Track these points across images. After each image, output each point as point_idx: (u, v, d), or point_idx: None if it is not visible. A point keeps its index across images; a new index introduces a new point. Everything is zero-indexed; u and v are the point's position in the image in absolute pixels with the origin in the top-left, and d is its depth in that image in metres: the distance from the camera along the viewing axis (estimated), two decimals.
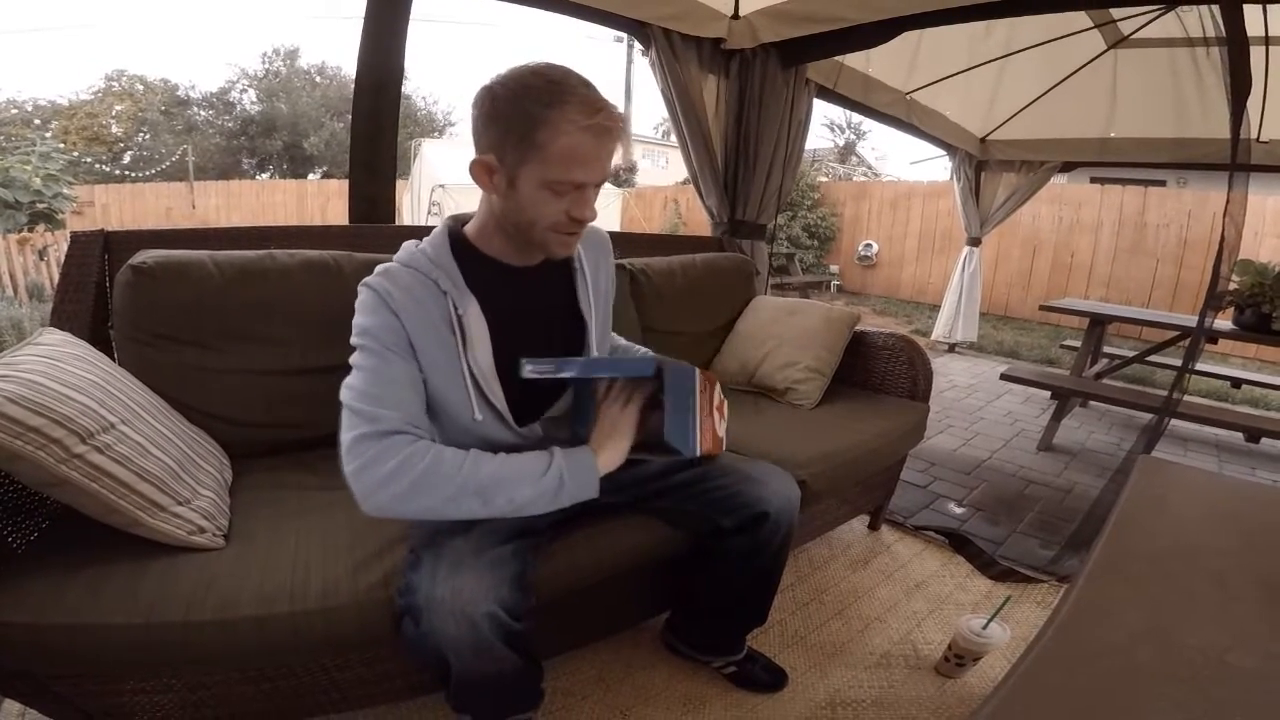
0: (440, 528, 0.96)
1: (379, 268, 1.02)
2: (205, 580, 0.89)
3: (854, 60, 3.03)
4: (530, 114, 0.89)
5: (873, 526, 2.16)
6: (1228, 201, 1.84)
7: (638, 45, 2.59)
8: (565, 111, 0.89)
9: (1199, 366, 3.62)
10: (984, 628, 1.46)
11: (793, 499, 1.24)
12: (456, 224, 1.10)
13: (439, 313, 1.00)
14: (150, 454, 0.93)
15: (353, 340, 0.97)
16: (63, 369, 0.89)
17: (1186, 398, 2.02)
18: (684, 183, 10.59)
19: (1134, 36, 3.11)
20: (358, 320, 0.98)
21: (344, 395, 0.93)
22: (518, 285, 1.08)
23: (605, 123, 0.91)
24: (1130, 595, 0.81)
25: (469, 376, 1.00)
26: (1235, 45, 1.80)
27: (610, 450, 1.01)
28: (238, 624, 0.87)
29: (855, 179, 12.79)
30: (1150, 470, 1.17)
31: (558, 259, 1.06)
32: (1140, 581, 0.84)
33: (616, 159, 0.99)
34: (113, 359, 1.21)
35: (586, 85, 0.92)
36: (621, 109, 0.96)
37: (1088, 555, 0.89)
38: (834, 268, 9.30)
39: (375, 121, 1.76)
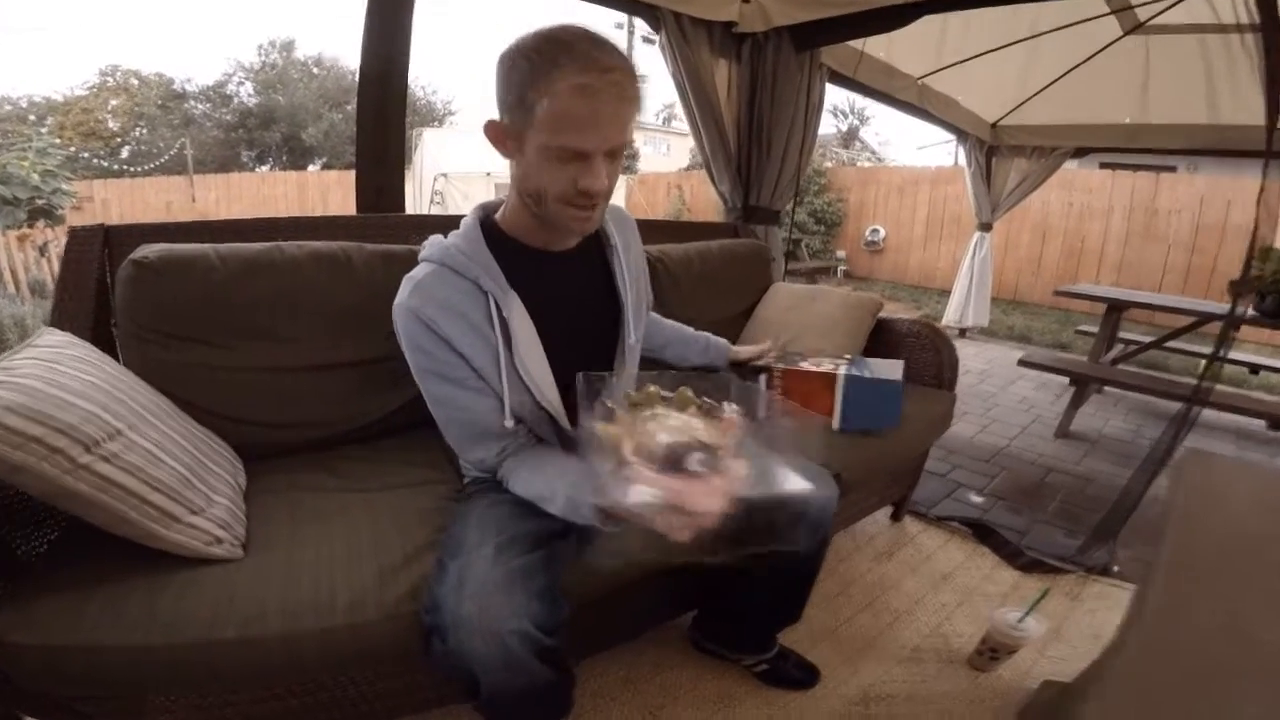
0: (467, 537, 0.91)
1: (407, 281, 0.97)
2: (226, 595, 0.85)
3: (873, 45, 2.96)
4: (524, 75, 0.85)
5: (895, 518, 2.12)
6: (1261, 189, 1.77)
7: (638, 31, 2.54)
8: (555, 72, 0.83)
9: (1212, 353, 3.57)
10: (1020, 621, 1.43)
11: (832, 498, 1.19)
12: (486, 212, 1.05)
13: (479, 313, 0.96)
14: (160, 461, 0.88)
15: (412, 368, 0.98)
16: (63, 373, 0.84)
17: (1202, 382, 1.96)
18: (688, 169, 10.51)
19: (1151, 22, 3.04)
20: (407, 351, 0.97)
21: (435, 417, 1.01)
22: (555, 272, 1.04)
23: (596, 83, 0.83)
24: (1202, 592, 0.79)
25: (506, 380, 0.97)
26: (1271, 32, 1.73)
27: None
28: (264, 642, 0.83)
29: (859, 164, 12.68)
30: (1199, 464, 1.14)
31: (575, 234, 1.01)
32: (1210, 578, 0.82)
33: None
34: (117, 358, 1.17)
35: (592, 43, 0.85)
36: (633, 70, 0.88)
37: (1156, 555, 0.86)
38: (841, 253, 9.24)
39: (381, 111, 1.72)
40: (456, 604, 0.81)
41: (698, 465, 0.72)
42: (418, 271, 0.98)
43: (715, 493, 0.72)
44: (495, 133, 0.93)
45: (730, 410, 0.82)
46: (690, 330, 1.57)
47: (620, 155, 0.92)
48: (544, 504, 0.94)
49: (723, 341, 1.59)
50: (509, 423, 0.97)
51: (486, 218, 1.04)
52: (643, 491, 0.71)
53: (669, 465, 0.72)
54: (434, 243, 1.01)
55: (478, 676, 0.84)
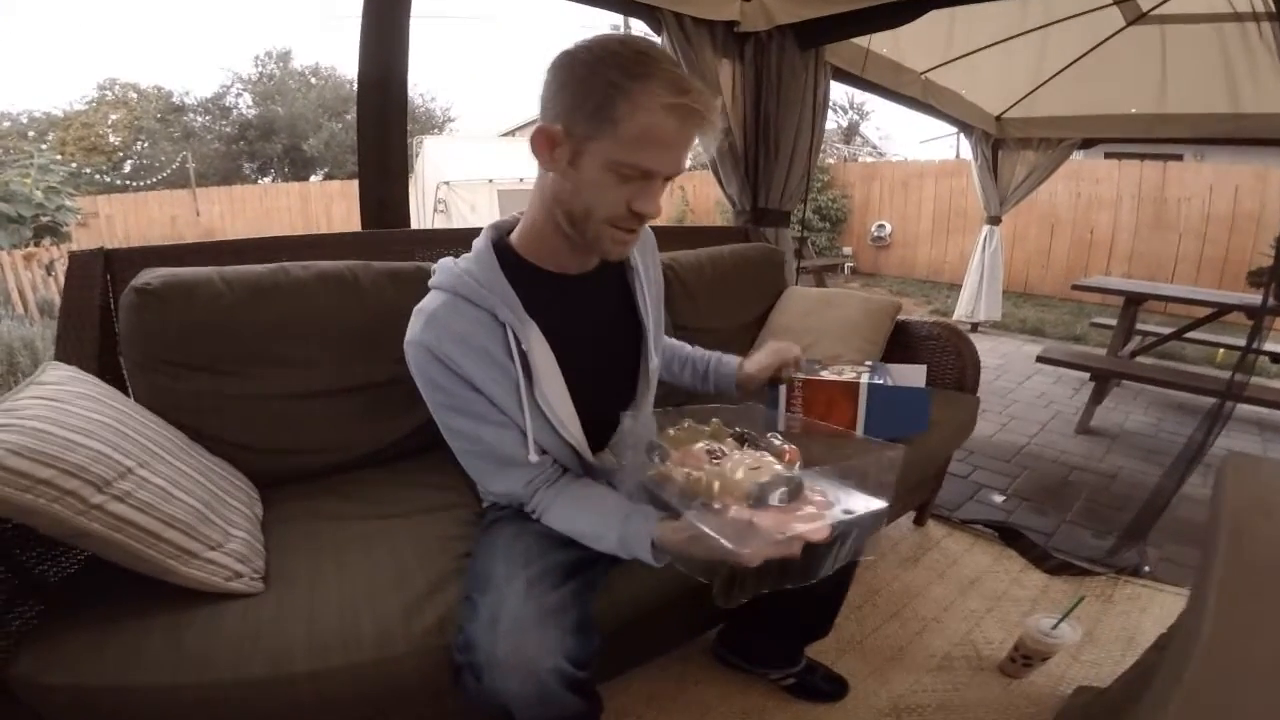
0: (495, 570, 0.88)
1: (418, 314, 0.91)
2: (250, 631, 0.83)
3: (878, 41, 2.92)
4: (610, 83, 0.79)
5: (918, 522, 2.08)
6: None
7: (636, 34, 2.51)
8: (649, 86, 0.79)
9: (1233, 342, 3.51)
10: (1054, 628, 1.40)
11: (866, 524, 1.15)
12: (500, 233, 0.99)
13: (497, 345, 0.91)
14: (174, 497, 0.86)
15: (428, 403, 0.94)
16: (70, 411, 0.82)
17: (1235, 376, 1.91)
18: (689, 169, 10.44)
19: (1155, 12, 3.00)
20: (422, 387, 0.93)
21: (453, 449, 0.97)
22: (574, 298, 0.99)
23: (693, 104, 0.80)
24: (1269, 612, 0.74)
25: (529, 414, 0.92)
26: None
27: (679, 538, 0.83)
28: (292, 680, 0.81)
29: (861, 160, 12.62)
30: (1245, 470, 1.08)
31: (609, 257, 0.96)
32: (1275, 596, 0.76)
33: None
34: (124, 387, 1.15)
35: (675, 63, 0.82)
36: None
37: (1208, 569, 0.82)
38: (847, 249, 9.19)
39: (381, 119, 1.68)
40: (491, 644, 0.78)
41: (778, 500, 0.75)
42: (429, 302, 0.92)
43: (818, 521, 0.74)
44: (546, 141, 0.84)
45: (777, 440, 0.85)
46: (688, 349, 1.37)
47: (671, 181, 0.88)
48: (588, 541, 0.91)
49: (731, 362, 1.30)
50: (534, 458, 0.93)
51: (500, 239, 0.98)
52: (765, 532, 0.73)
53: (759, 503, 0.75)
54: (445, 268, 0.94)
55: (512, 712, 0.81)
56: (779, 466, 0.80)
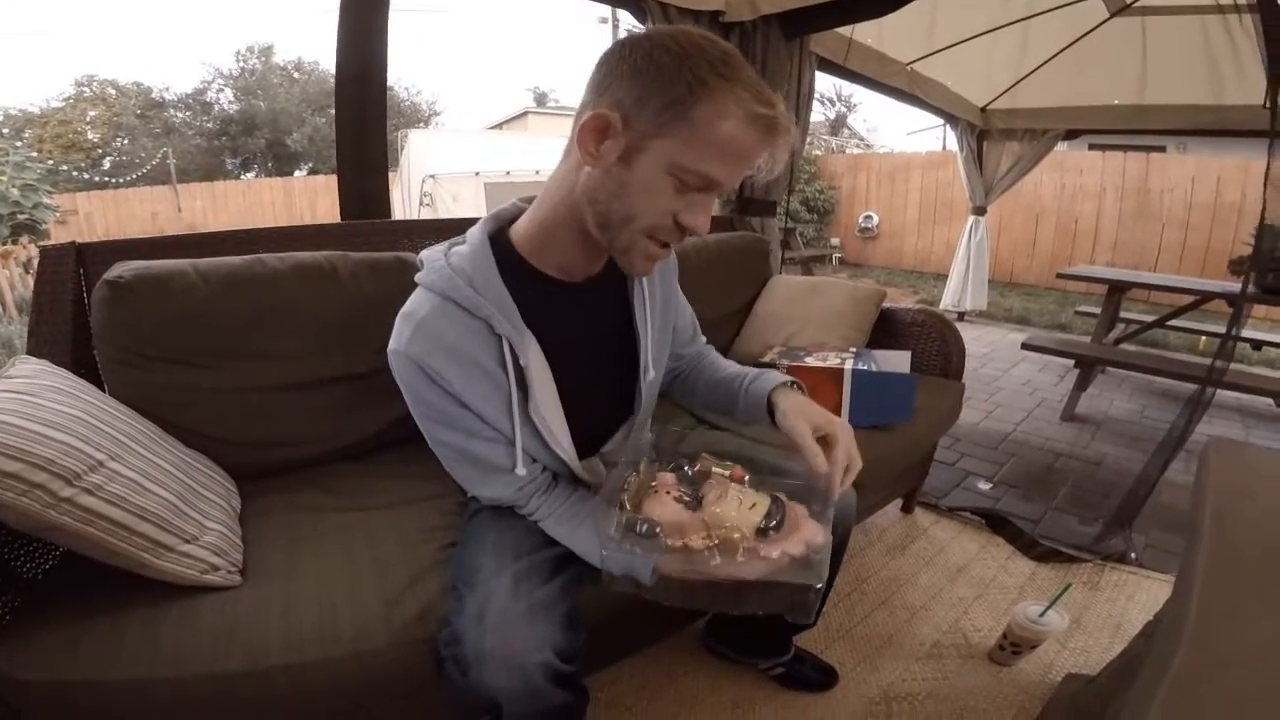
0: (482, 563, 0.87)
1: (405, 320, 0.82)
2: (227, 625, 0.83)
3: (861, 31, 2.92)
4: (697, 77, 0.71)
5: (906, 509, 2.09)
6: (1268, 169, 1.72)
7: (623, 24, 2.49)
8: (736, 89, 0.71)
9: (1215, 329, 3.56)
10: (1041, 615, 1.40)
11: (850, 505, 1.15)
12: (499, 226, 0.89)
13: (489, 357, 0.83)
14: (147, 490, 0.84)
15: (413, 415, 0.88)
16: (38, 405, 0.80)
17: (1216, 363, 1.93)
18: None
19: (1138, 4, 3.01)
20: (408, 400, 0.86)
21: (438, 456, 0.92)
22: (572, 306, 0.91)
23: (779, 118, 0.74)
24: (1253, 598, 0.74)
25: (519, 427, 0.87)
26: (1270, 11, 1.68)
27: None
28: (269, 674, 0.80)
29: (848, 151, 12.66)
30: (1226, 454, 1.08)
31: (634, 274, 0.91)
32: (1259, 582, 0.77)
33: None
34: (100, 382, 1.12)
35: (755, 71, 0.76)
36: None
37: (1192, 556, 0.82)
38: (835, 240, 9.22)
39: (360, 113, 1.66)
40: (478, 638, 0.77)
41: (775, 525, 0.77)
42: (418, 306, 0.82)
43: (818, 533, 0.77)
44: (598, 129, 0.74)
45: (722, 469, 0.85)
46: (724, 369, 1.15)
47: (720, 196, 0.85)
48: (589, 558, 0.89)
49: (761, 391, 1.02)
50: (521, 470, 0.89)
51: (499, 232, 0.88)
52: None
53: (765, 534, 0.76)
54: (434, 264, 0.84)
55: (498, 705, 0.81)
56: (761, 497, 0.80)
